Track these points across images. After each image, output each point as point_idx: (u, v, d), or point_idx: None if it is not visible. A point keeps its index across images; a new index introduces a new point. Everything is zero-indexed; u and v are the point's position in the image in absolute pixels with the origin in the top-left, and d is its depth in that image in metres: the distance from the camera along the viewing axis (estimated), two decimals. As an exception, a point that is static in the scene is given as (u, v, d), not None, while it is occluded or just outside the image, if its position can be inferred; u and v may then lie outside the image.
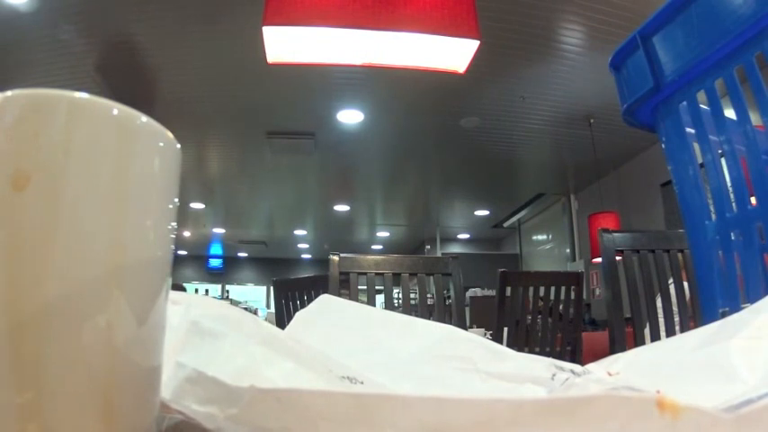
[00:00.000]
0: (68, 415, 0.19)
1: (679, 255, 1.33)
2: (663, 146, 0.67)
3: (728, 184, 0.59)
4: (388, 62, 2.36)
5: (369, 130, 4.82)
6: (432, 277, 1.60)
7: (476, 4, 2.25)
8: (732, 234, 0.59)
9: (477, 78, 3.68)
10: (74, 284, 0.19)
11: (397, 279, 1.57)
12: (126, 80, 3.80)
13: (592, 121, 4.47)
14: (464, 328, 1.48)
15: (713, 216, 0.61)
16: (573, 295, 2.21)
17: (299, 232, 9.46)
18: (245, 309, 2.50)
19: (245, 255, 11.72)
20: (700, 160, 0.62)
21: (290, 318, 0.69)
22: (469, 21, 2.21)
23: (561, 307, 2.20)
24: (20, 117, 0.20)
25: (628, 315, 1.33)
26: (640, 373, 0.34)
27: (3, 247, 0.19)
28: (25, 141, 0.19)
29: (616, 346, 1.29)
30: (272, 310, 2.85)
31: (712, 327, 0.34)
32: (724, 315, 0.38)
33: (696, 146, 0.62)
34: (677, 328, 1.33)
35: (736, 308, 0.55)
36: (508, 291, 2.17)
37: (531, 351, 2.11)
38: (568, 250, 6.62)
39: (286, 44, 2.24)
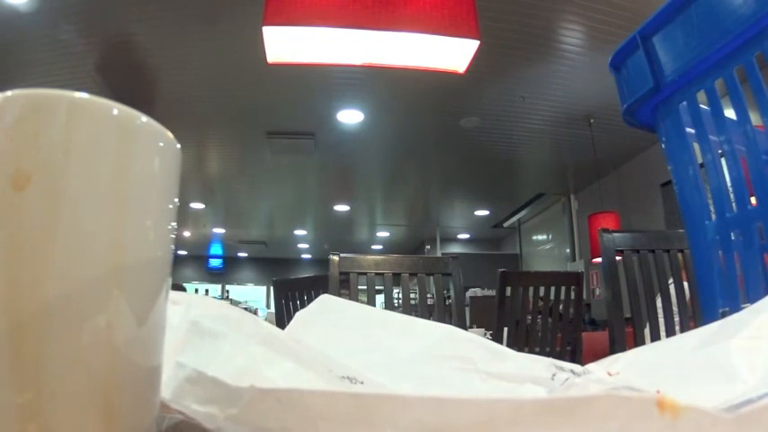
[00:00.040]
0: (68, 415, 0.19)
1: (679, 255, 1.33)
2: (663, 146, 0.67)
3: (728, 184, 0.59)
4: (388, 62, 2.36)
5: (369, 130, 4.81)
6: (432, 277, 1.60)
7: (476, 4, 2.25)
8: (732, 234, 0.59)
9: (477, 78, 3.67)
10: (74, 284, 0.19)
11: (397, 279, 1.56)
12: (126, 80, 3.80)
13: (592, 121, 4.47)
14: (464, 328, 1.48)
15: (713, 216, 0.61)
16: (573, 295, 2.21)
17: (299, 232, 9.46)
18: (245, 309, 2.49)
19: (245, 255, 11.72)
20: (700, 160, 0.62)
21: (290, 318, 0.69)
22: (469, 21, 2.21)
23: (561, 307, 2.20)
24: (20, 117, 0.20)
25: (628, 315, 1.33)
26: (640, 373, 0.34)
27: (3, 247, 0.19)
28: (25, 141, 0.19)
29: (616, 346, 1.29)
30: (272, 310, 2.85)
31: (712, 327, 0.34)
32: (724, 315, 0.38)
33: (696, 146, 0.62)
34: (677, 328, 1.33)
35: (736, 308, 0.55)
36: (508, 291, 2.17)
37: (531, 351, 2.11)
38: (568, 250, 6.62)
39: (286, 44, 2.24)
